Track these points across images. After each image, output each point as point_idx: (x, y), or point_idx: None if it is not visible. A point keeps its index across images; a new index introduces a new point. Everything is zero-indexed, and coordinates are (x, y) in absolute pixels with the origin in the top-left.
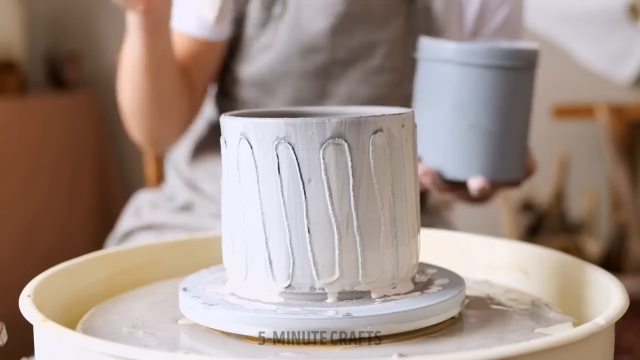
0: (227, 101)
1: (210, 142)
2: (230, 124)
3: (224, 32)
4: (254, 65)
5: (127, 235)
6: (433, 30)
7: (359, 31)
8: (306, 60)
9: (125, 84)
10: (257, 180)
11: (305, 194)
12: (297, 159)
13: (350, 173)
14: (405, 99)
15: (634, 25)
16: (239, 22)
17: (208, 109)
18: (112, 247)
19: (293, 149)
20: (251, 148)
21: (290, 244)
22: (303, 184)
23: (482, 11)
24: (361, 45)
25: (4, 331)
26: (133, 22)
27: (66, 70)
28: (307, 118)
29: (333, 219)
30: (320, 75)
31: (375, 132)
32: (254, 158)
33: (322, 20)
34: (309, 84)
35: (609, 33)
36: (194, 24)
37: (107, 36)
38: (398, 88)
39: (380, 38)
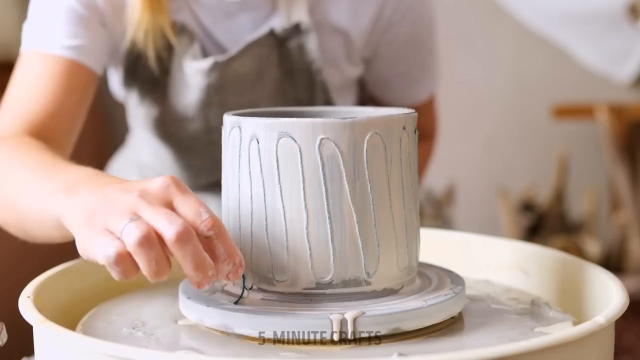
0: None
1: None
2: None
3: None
4: (150, 111)
5: None
6: (310, 68)
7: (231, 97)
8: (182, 129)
9: None
10: (262, 179)
11: (304, 194)
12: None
13: (345, 173)
14: None
15: (634, 25)
16: (129, 72)
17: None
18: None
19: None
20: (258, 147)
21: (290, 244)
22: (303, 183)
23: (372, 33)
24: (238, 108)
25: (4, 331)
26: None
27: None
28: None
29: (332, 219)
30: (200, 144)
31: (372, 133)
32: (260, 156)
33: (189, 93)
34: (191, 151)
35: (609, 33)
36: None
37: None
38: None
39: (258, 97)
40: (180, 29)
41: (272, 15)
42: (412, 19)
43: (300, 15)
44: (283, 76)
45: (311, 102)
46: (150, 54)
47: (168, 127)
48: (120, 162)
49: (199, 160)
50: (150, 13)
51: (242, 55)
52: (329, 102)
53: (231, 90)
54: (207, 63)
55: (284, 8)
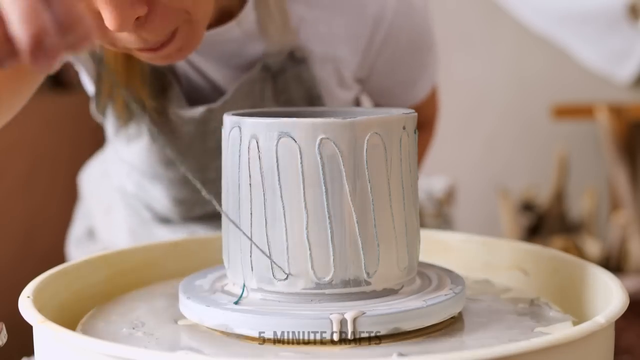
0: (114, 163)
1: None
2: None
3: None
4: (127, 149)
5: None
6: (309, 96)
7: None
8: (168, 170)
9: None
10: (262, 179)
11: (304, 194)
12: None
13: (345, 173)
14: None
15: (634, 25)
16: (100, 108)
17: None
18: (111, 249)
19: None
20: (258, 147)
21: (290, 244)
22: (303, 183)
23: (366, 54)
24: None
25: (4, 331)
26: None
27: (66, 71)
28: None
29: (332, 219)
30: (191, 183)
31: (372, 133)
32: (259, 156)
33: (178, 139)
34: (182, 189)
35: (609, 33)
36: None
37: None
38: None
39: None
40: (162, 74)
41: (262, 46)
42: (409, 30)
43: (292, 43)
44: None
45: None
46: (120, 109)
47: (153, 167)
48: (101, 180)
49: (191, 196)
50: (124, 74)
51: (235, 96)
52: None
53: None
54: (199, 110)
55: (273, 39)
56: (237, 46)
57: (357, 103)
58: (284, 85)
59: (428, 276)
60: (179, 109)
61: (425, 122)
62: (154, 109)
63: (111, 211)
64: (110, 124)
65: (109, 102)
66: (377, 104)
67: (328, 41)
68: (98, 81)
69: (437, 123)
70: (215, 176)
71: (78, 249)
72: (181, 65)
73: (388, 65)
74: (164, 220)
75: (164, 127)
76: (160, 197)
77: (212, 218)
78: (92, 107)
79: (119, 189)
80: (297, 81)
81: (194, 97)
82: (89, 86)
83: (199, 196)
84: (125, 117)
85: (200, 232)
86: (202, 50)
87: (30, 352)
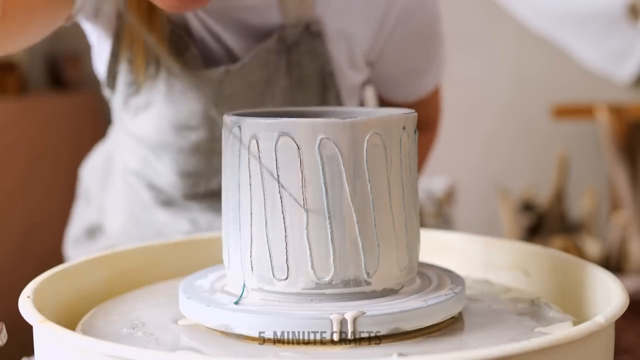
0: (119, 139)
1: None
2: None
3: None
4: (134, 121)
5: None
6: (322, 71)
7: (240, 107)
8: (182, 137)
9: None
10: (262, 179)
11: (304, 194)
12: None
13: (345, 173)
14: None
15: (634, 25)
16: (111, 73)
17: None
18: (111, 249)
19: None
20: (258, 147)
21: (290, 244)
22: (303, 183)
23: (378, 36)
24: None
25: (4, 331)
26: None
27: (66, 71)
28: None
29: (332, 219)
30: (202, 153)
31: (372, 133)
32: (259, 156)
33: (193, 102)
34: (191, 160)
35: (609, 33)
36: None
37: None
38: None
39: (267, 104)
40: (179, 36)
41: (279, 17)
42: (420, 15)
43: (309, 17)
44: (292, 84)
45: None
46: (139, 64)
47: (163, 135)
48: (102, 166)
49: (197, 168)
50: (146, 26)
51: (252, 63)
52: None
53: (240, 99)
54: (218, 72)
55: (290, 11)
56: (255, 15)
57: (362, 92)
58: (298, 58)
59: (428, 276)
60: (195, 69)
61: (427, 122)
62: (171, 68)
63: (111, 194)
64: (120, 95)
65: (126, 61)
66: (380, 97)
67: (343, 17)
68: (117, 39)
69: (439, 124)
70: (220, 148)
71: (76, 249)
72: (198, 28)
73: (397, 51)
74: (165, 202)
75: (180, 87)
76: (166, 171)
77: (215, 197)
78: (103, 82)
79: (121, 171)
80: (311, 56)
81: (209, 62)
82: (101, 58)
83: (206, 167)
84: (143, 74)
85: (200, 218)
86: (221, 16)
87: (30, 352)
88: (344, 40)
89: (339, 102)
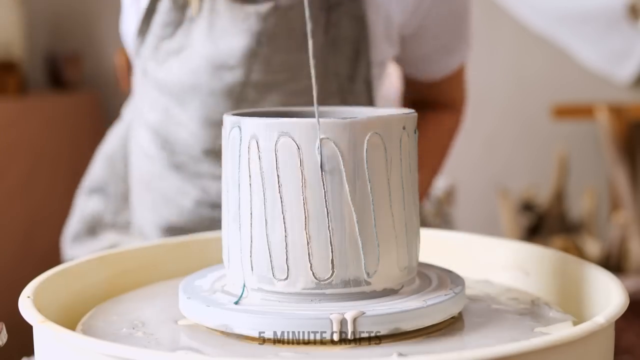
0: (137, 99)
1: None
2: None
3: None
4: (162, 68)
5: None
6: (357, 38)
7: (279, 52)
8: (216, 78)
9: None
10: (262, 179)
11: (304, 194)
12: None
13: (345, 173)
14: None
15: (634, 25)
16: (149, 14)
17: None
18: (111, 249)
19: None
20: (258, 147)
21: (290, 244)
22: (303, 183)
23: (414, 13)
24: (282, 67)
25: (4, 331)
26: None
27: (66, 70)
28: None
29: (332, 219)
30: (232, 97)
31: (372, 133)
32: (259, 156)
33: (236, 37)
34: (220, 104)
35: (609, 33)
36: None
37: (107, 36)
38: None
39: (302, 58)
40: None
41: None
42: None
43: None
44: (328, 44)
45: (351, 79)
46: None
47: (197, 77)
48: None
49: (224, 114)
50: None
51: (296, 8)
52: (368, 80)
53: (281, 43)
54: (266, 6)
55: None
56: None
57: (385, 75)
58: (337, 19)
59: (428, 276)
60: (247, 2)
61: (453, 104)
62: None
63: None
64: (151, 40)
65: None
66: (406, 76)
67: None
68: None
69: (465, 106)
70: (252, 94)
71: (75, 246)
72: None
73: (432, 28)
74: (177, 165)
75: (223, 23)
76: (189, 121)
77: None
78: (134, 28)
79: (135, 136)
80: (349, 18)
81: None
82: (137, 2)
83: (232, 108)
84: (197, 2)
85: (211, 187)
86: None
87: (30, 352)
88: (383, 10)
89: (367, 73)
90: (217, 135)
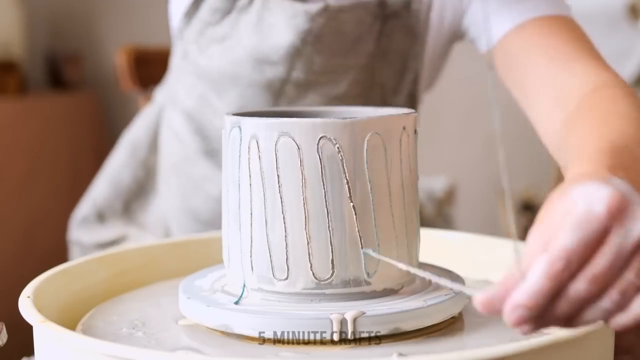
0: (174, 81)
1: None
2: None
3: None
4: (204, 54)
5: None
6: (408, 52)
7: (324, 53)
8: (257, 71)
9: None
10: (262, 179)
11: (304, 194)
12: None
13: (345, 173)
14: None
15: (634, 25)
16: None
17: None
18: (111, 249)
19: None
20: (258, 147)
21: (290, 244)
22: (303, 183)
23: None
24: (324, 70)
25: (4, 331)
26: None
27: (66, 70)
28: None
29: (332, 219)
30: (271, 92)
31: (372, 133)
32: (259, 156)
33: (282, 34)
34: (258, 97)
35: (609, 33)
36: None
37: (107, 36)
38: None
39: (347, 64)
40: None
41: None
42: None
43: None
44: (377, 54)
45: (395, 92)
46: None
47: (238, 68)
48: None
49: (263, 101)
50: None
51: (349, 13)
52: (413, 95)
53: (327, 44)
54: (315, 6)
55: None
56: None
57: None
58: (391, 31)
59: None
60: (294, 0)
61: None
62: None
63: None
64: (197, 24)
65: None
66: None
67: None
68: None
69: (614, 76)
70: (290, 92)
71: (80, 231)
72: None
73: None
74: (209, 152)
75: (272, 18)
76: (224, 110)
77: None
78: (181, 9)
79: (169, 122)
80: (403, 32)
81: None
82: None
83: (270, 103)
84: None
85: None
86: None
87: (30, 352)
88: (437, 16)
89: (413, 88)
90: None
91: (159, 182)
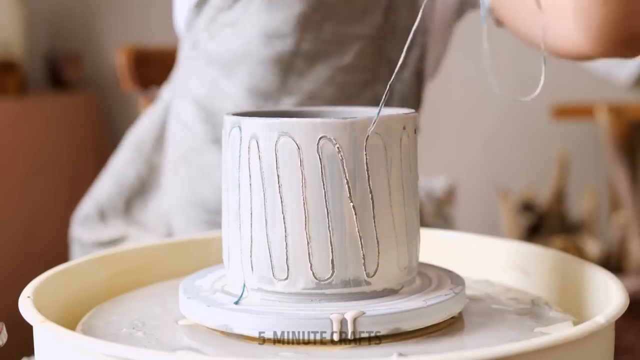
0: (182, 74)
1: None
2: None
3: None
4: (214, 40)
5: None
6: (418, 26)
7: (331, 23)
8: (267, 46)
9: None
10: (262, 179)
11: (304, 194)
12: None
13: (345, 173)
14: (373, 101)
15: None
16: None
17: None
18: (111, 249)
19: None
20: (258, 147)
21: (290, 244)
22: (303, 183)
23: None
24: (332, 39)
25: (4, 331)
26: None
27: (66, 70)
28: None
29: (332, 219)
30: (281, 67)
31: (372, 133)
32: (259, 156)
33: (292, 5)
34: (268, 73)
35: None
36: None
37: (107, 36)
38: (367, 89)
39: (355, 33)
40: None
41: None
42: None
43: None
44: (385, 28)
45: (401, 66)
46: None
47: (248, 46)
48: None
49: (271, 84)
50: None
51: None
52: (419, 72)
53: (335, 12)
54: None
55: None
56: None
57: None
58: (398, 6)
59: (428, 276)
60: None
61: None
62: None
63: (167, 147)
64: (209, 11)
65: None
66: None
67: None
68: None
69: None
70: (300, 64)
71: (81, 229)
72: None
73: None
74: (218, 140)
75: None
76: (236, 91)
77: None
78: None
79: (177, 112)
80: (409, 8)
81: None
82: None
83: (280, 84)
84: None
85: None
86: None
87: (30, 352)
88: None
89: (419, 65)
90: (264, 105)
91: (163, 177)
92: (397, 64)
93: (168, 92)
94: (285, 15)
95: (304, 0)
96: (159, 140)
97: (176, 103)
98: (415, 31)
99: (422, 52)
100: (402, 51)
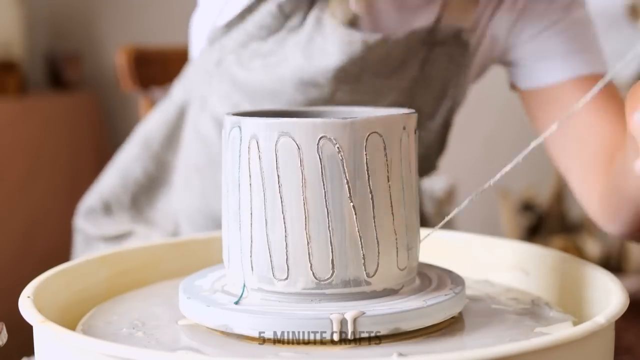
0: (203, 87)
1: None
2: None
3: None
4: (242, 66)
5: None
6: (449, 79)
7: (369, 75)
8: (301, 92)
9: None
10: (262, 179)
11: (304, 194)
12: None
13: (345, 173)
14: None
15: (634, 25)
16: (248, 10)
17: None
18: (111, 249)
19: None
20: (258, 147)
21: (290, 244)
22: (303, 183)
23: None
24: (369, 90)
25: (4, 331)
26: None
27: (66, 70)
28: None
29: (332, 219)
30: (304, 104)
31: (372, 133)
32: (260, 156)
33: (333, 55)
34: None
35: (609, 33)
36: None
37: (107, 36)
38: None
39: (391, 85)
40: None
41: (438, 11)
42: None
43: (466, 23)
44: (418, 79)
45: (431, 117)
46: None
47: (280, 86)
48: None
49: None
50: None
51: (403, 40)
52: (447, 121)
53: (375, 68)
54: (375, 37)
55: (452, 11)
56: (419, 9)
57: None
58: (435, 57)
59: (428, 276)
60: (351, 28)
61: None
62: (322, 21)
63: (180, 149)
64: (240, 35)
65: (276, 3)
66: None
67: (501, 22)
68: None
69: None
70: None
71: (86, 221)
72: None
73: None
74: None
75: (323, 42)
76: None
77: None
78: (219, 18)
79: (194, 122)
80: (448, 60)
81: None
82: None
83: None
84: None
85: None
86: None
87: (30, 352)
88: (488, 44)
89: (448, 115)
90: None
91: (175, 179)
92: (425, 113)
93: (180, 93)
94: (325, 67)
95: (343, 53)
96: (170, 138)
97: (194, 113)
98: (449, 84)
99: (452, 105)
100: (433, 101)
